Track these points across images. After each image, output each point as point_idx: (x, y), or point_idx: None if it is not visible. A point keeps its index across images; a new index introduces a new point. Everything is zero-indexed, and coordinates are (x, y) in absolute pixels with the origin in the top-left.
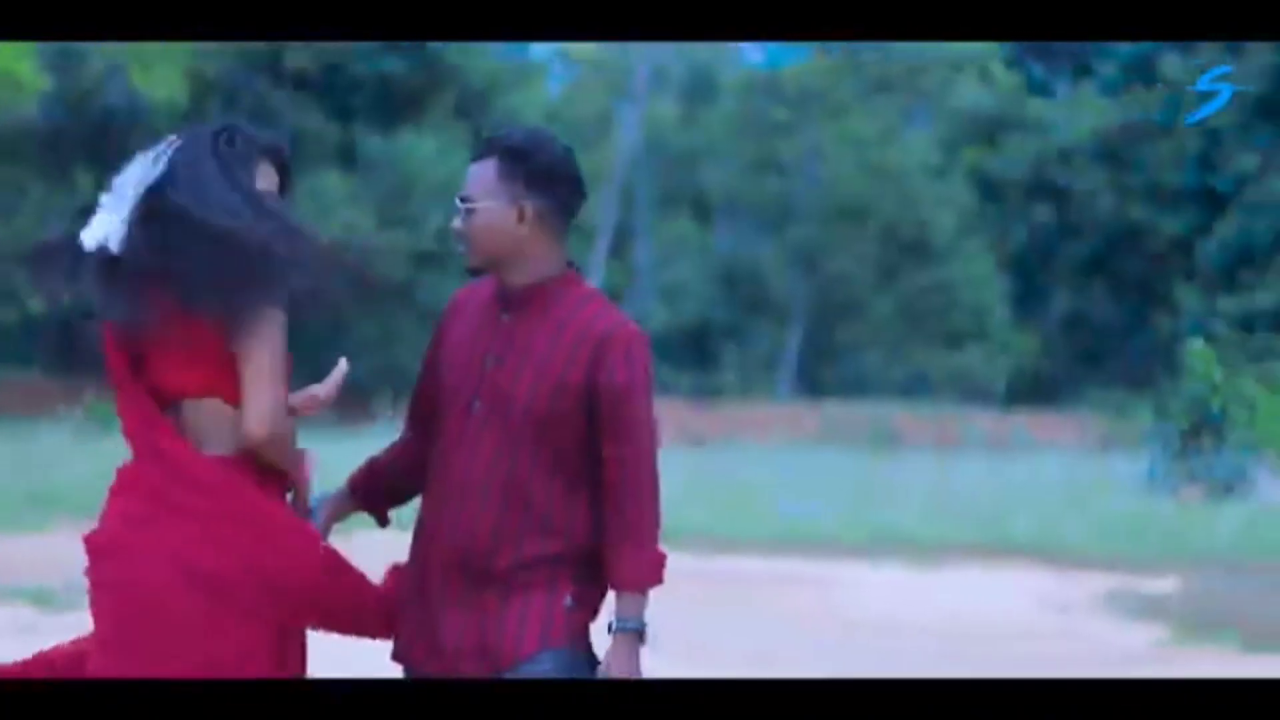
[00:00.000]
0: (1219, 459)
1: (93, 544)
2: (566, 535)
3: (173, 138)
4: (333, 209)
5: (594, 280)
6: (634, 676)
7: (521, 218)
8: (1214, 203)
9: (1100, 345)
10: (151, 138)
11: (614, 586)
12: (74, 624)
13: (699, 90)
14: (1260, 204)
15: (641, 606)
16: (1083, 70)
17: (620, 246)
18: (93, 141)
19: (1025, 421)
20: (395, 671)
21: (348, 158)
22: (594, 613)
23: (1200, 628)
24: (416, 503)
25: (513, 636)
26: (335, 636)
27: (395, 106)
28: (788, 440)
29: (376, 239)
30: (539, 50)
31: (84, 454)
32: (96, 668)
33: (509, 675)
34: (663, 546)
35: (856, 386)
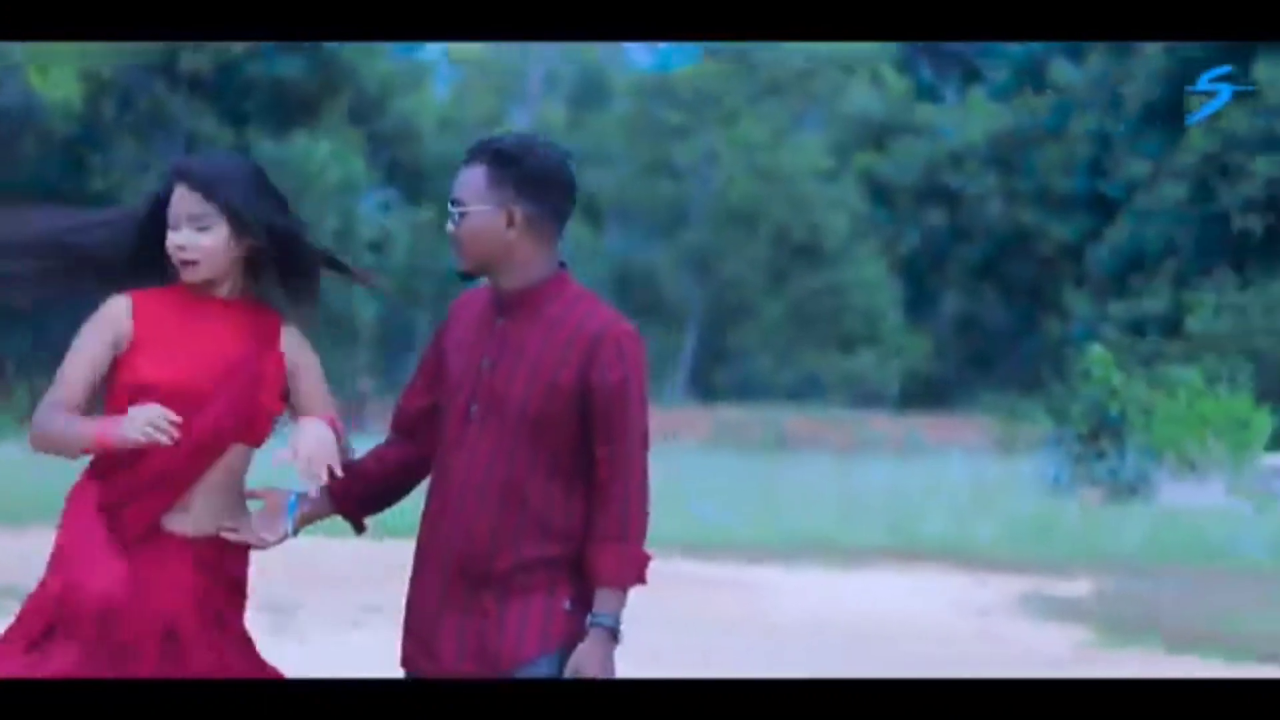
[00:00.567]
0: (1119, 462)
1: None
2: (565, 537)
3: None
4: None
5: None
6: (605, 673)
7: (511, 223)
8: (1104, 208)
9: (991, 349)
10: (46, 138)
11: (595, 582)
12: None
13: (589, 93)
14: (1151, 210)
15: (620, 605)
16: (972, 75)
17: None
18: None
19: (919, 424)
20: (395, 672)
21: None
22: None
23: (1121, 630)
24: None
25: (512, 639)
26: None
27: (290, 110)
28: (682, 444)
29: None
30: (426, 52)
31: None
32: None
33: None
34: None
35: (749, 390)
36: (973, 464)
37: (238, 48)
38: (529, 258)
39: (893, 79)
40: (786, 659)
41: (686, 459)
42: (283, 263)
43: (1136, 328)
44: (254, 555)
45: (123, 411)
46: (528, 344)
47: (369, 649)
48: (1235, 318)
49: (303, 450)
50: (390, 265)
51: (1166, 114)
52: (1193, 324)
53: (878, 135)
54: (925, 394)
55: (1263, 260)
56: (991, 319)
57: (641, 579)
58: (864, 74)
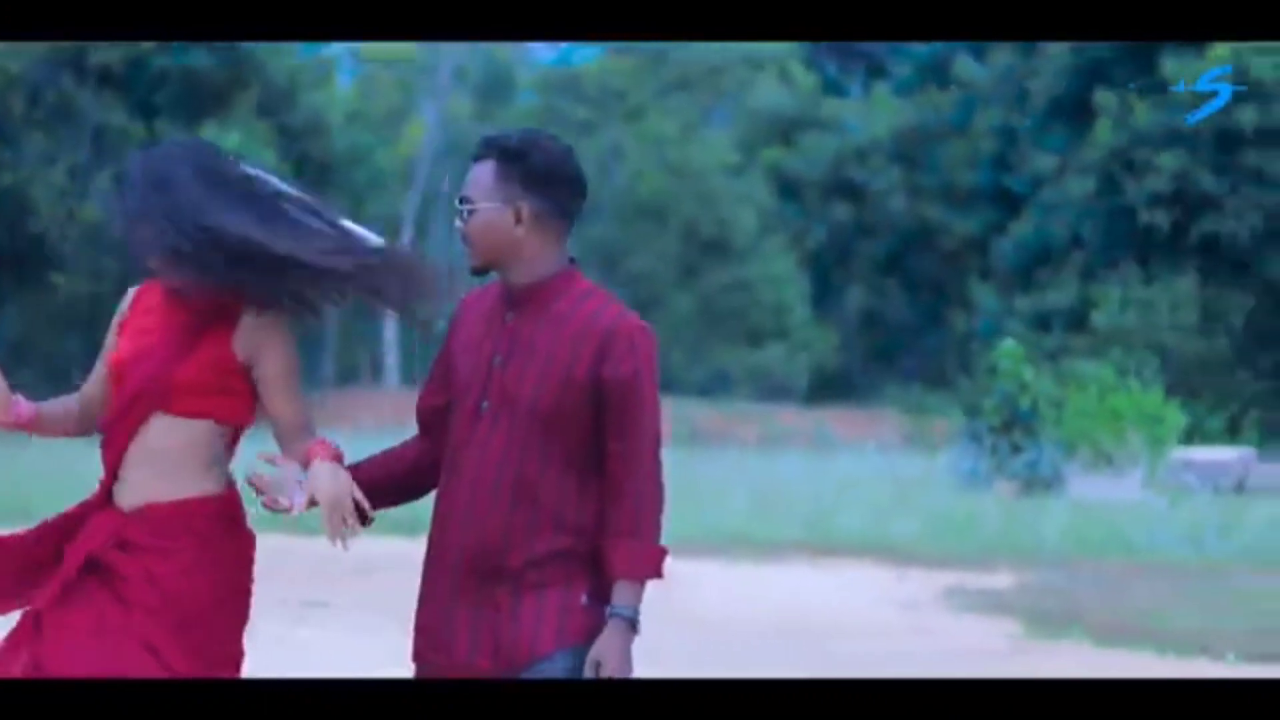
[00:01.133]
0: (1030, 456)
1: None
2: (578, 531)
3: None
4: None
5: None
6: (624, 664)
7: (519, 219)
8: (1009, 203)
9: (896, 343)
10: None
11: (612, 576)
12: None
13: (495, 88)
14: (1056, 204)
15: (638, 596)
16: (877, 71)
17: (420, 243)
18: None
19: (827, 418)
20: (401, 672)
21: None
22: None
23: (1049, 623)
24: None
25: (528, 635)
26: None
27: (199, 102)
28: None
29: None
30: (331, 46)
31: None
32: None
33: (525, 674)
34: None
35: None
36: (884, 458)
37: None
38: (538, 253)
39: (800, 75)
40: (716, 655)
41: None
42: (217, 259)
43: (1042, 322)
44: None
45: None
46: (539, 340)
47: (312, 645)
48: (1141, 312)
49: (324, 499)
50: None
51: (1073, 110)
52: (1098, 318)
53: (785, 131)
54: (832, 388)
55: (1168, 255)
56: (897, 313)
57: (658, 573)
58: (772, 70)
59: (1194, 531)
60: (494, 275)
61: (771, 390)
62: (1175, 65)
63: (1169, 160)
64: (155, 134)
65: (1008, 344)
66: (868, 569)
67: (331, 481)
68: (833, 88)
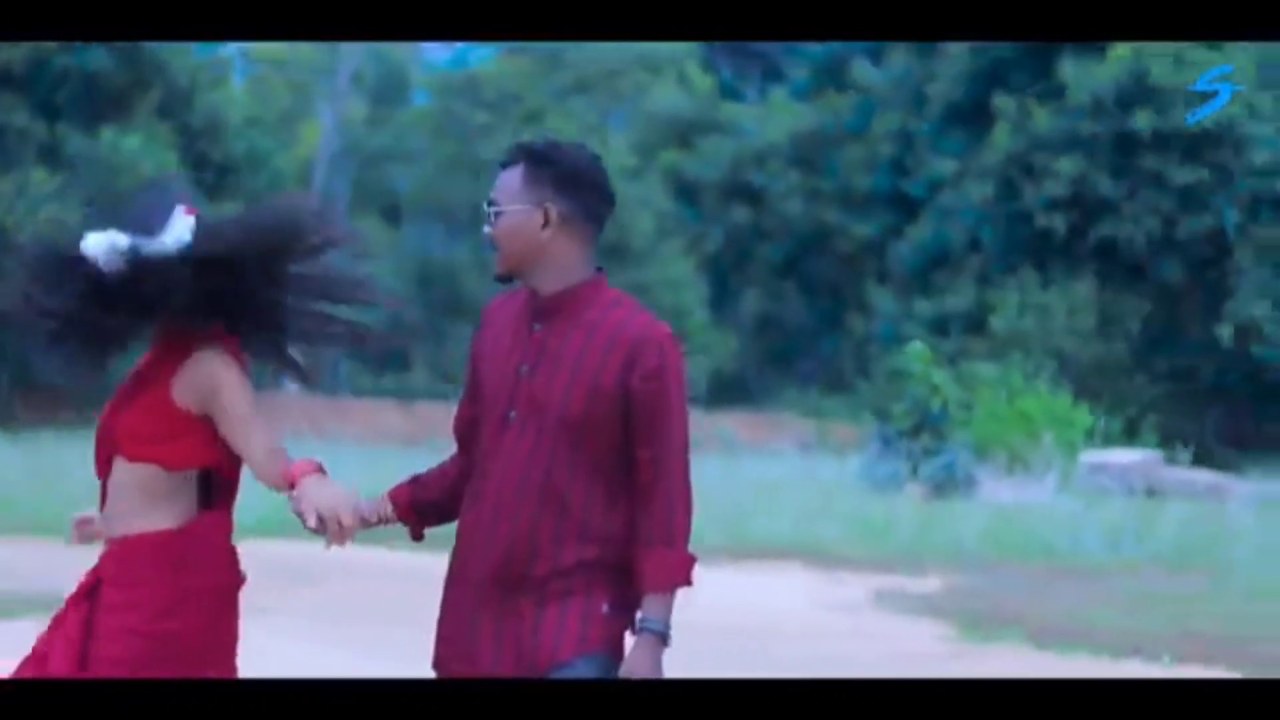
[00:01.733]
0: (947, 459)
1: None
2: (604, 540)
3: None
4: (40, 205)
5: None
6: (656, 677)
7: (546, 221)
8: (906, 207)
9: (794, 346)
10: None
11: (641, 588)
12: None
13: (389, 90)
14: (953, 208)
15: (668, 609)
16: (773, 74)
17: None
18: None
19: (728, 422)
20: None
21: (54, 154)
22: (632, 621)
23: (983, 626)
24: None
25: (549, 641)
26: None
27: (100, 103)
28: None
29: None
30: (226, 48)
31: None
32: None
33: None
34: (427, 552)
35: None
36: (793, 462)
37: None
38: (564, 258)
39: (698, 78)
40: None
41: None
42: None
43: (940, 326)
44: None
45: None
46: (566, 349)
47: (253, 651)
48: (1039, 316)
49: (325, 513)
50: None
51: (971, 114)
52: (996, 322)
53: (683, 134)
54: (730, 392)
55: (1065, 259)
56: (794, 317)
57: (688, 581)
58: (671, 73)
59: (1112, 534)
60: (516, 284)
61: None
62: (1074, 69)
63: (1067, 165)
64: (56, 135)
65: (916, 347)
66: (796, 572)
67: (318, 494)
68: (730, 91)
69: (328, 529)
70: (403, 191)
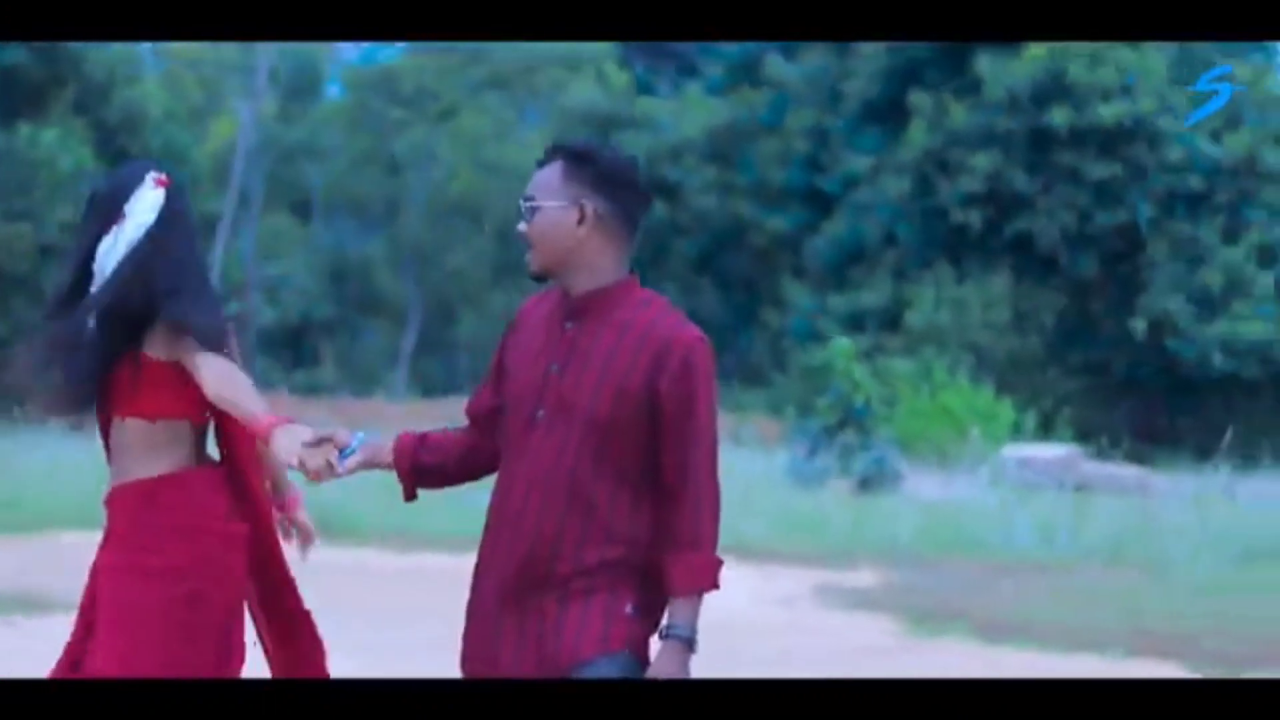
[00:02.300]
0: (877, 454)
1: None
2: (629, 541)
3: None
4: None
5: (212, 275)
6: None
7: (582, 219)
8: (821, 202)
9: (711, 341)
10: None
11: (669, 592)
12: None
13: (302, 86)
14: (869, 204)
15: (695, 614)
16: (688, 71)
17: (232, 242)
18: None
19: None
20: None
21: None
22: (655, 624)
23: (928, 621)
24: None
25: (571, 640)
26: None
27: (16, 98)
28: None
29: (1, 231)
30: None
31: None
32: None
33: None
34: (357, 546)
35: (474, 383)
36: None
37: None
38: (598, 258)
39: (614, 74)
40: None
41: None
42: None
43: (856, 320)
44: (60, 558)
45: None
46: (596, 349)
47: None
48: (954, 311)
49: (302, 460)
50: None
51: (887, 111)
52: (912, 317)
53: (598, 129)
54: None
55: (981, 254)
56: (710, 311)
57: (715, 585)
58: (589, 70)
59: (1045, 530)
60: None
61: None
62: (990, 66)
63: (983, 161)
64: None
65: (841, 343)
66: (730, 567)
67: (290, 439)
68: (645, 87)
69: (308, 473)
70: (316, 187)
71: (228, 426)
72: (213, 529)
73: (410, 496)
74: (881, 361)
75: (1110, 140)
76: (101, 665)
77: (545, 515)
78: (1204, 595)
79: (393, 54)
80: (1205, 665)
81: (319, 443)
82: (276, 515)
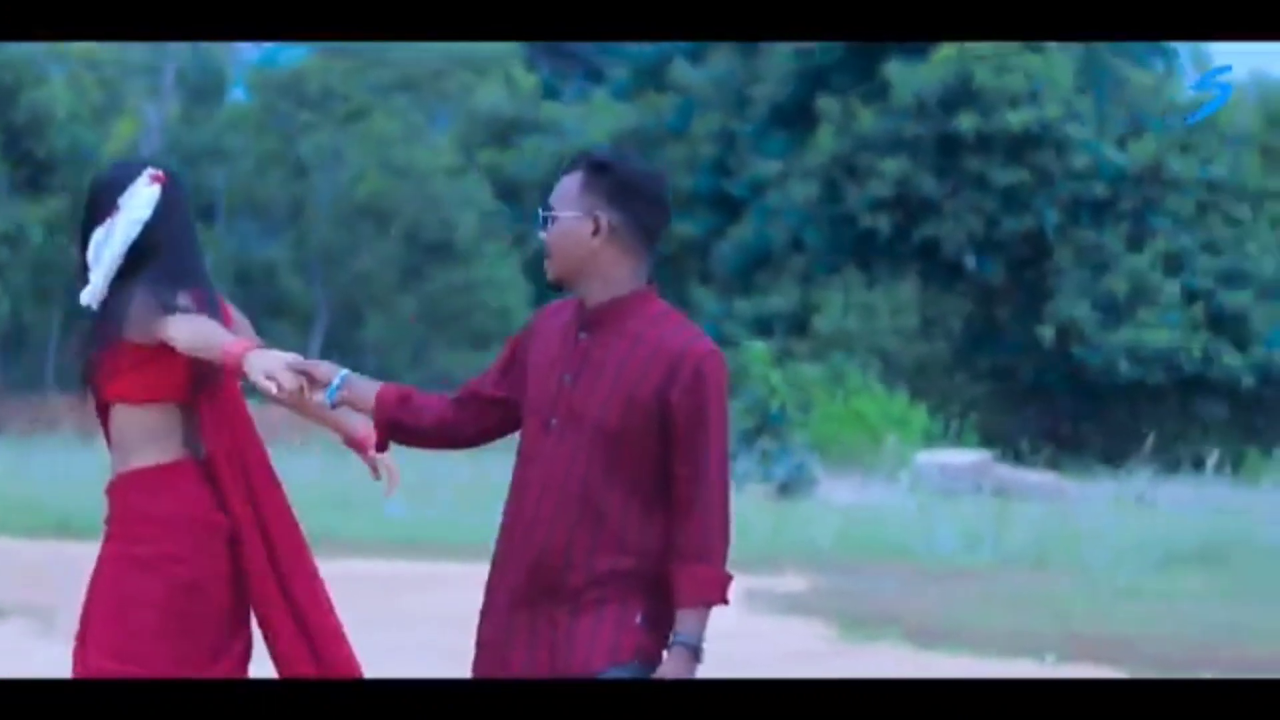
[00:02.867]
0: (796, 459)
1: None
2: (640, 552)
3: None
4: None
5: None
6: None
7: (596, 229)
8: (729, 207)
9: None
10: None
11: (677, 603)
12: None
13: (206, 87)
14: (777, 209)
15: (702, 624)
16: (594, 75)
17: None
18: None
19: None
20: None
21: None
22: (666, 635)
23: (859, 626)
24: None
25: (582, 650)
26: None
27: None
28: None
29: None
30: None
31: None
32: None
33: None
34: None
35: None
36: None
37: None
38: (613, 269)
39: (522, 77)
40: None
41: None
42: None
43: (763, 325)
44: (17, 562)
45: None
46: (609, 359)
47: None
48: (862, 316)
49: (272, 380)
50: (22, 260)
51: (794, 115)
52: (820, 322)
53: (504, 133)
54: None
55: (889, 259)
56: None
57: (723, 599)
58: (498, 73)
59: (967, 535)
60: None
61: None
62: (898, 71)
63: (891, 166)
64: None
65: (757, 347)
66: None
67: (265, 360)
68: (551, 91)
69: (281, 391)
70: (220, 190)
71: (205, 416)
72: (212, 520)
73: (382, 448)
74: (792, 366)
75: (1017, 146)
76: (95, 656)
77: (557, 523)
78: (1131, 599)
79: (298, 55)
80: (1141, 668)
81: (299, 372)
82: (371, 455)
